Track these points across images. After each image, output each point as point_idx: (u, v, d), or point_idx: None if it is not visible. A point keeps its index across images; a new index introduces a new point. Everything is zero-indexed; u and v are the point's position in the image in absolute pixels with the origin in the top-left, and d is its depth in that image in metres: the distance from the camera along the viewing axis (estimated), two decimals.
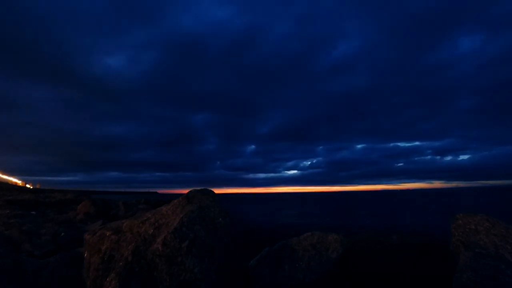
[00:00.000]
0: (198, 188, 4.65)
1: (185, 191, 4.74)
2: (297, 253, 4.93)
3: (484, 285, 3.19)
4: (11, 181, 65.61)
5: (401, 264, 4.81)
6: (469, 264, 3.58)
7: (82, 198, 18.96)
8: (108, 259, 3.59)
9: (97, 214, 13.22)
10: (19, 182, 68.43)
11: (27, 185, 68.01)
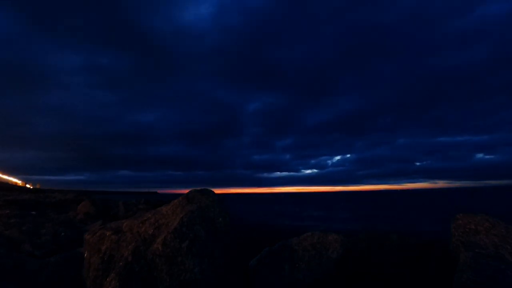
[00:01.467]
0: (198, 188, 4.65)
1: (185, 191, 4.74)
2: (297, 253, 4.92)
3: (484, 285, 3.19)
4: (11, 181, 65.62)
5: (401, 264, 4.81)
6: (469, 264, 3.57)
7: (82, 198, 18.97)
8: (108, 259, 3.59)
9: (97, 214, 13.22)
10: (19, 182, 68.45)
11: (27, 185, 68.02)
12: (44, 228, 8.29)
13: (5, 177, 64.09)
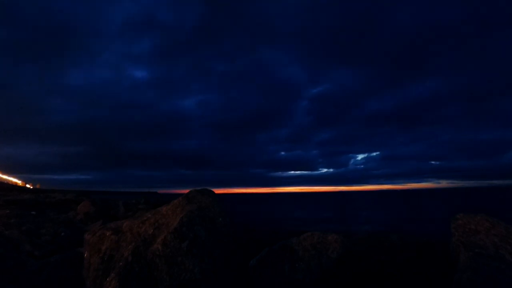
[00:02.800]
0: (198, 188, 4.65)
1: (185, 191, 4.74)
2: (297, 253, 4.92)
3: (484, 285, 3.19)
4: (11, 181, 65.62)
5: (401, 264, 4.81)
6: (469, 264, 3.57)
7: (82, 198, 18.98)
8: (108, 259, 3.59)
9: (97, 214, 13.22)
10: (19, 182, 68.47)
11: (27, 185, 68.04)
12: (44, 228, 8.29)
13: (5, 177, 64.10)
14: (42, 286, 3.98)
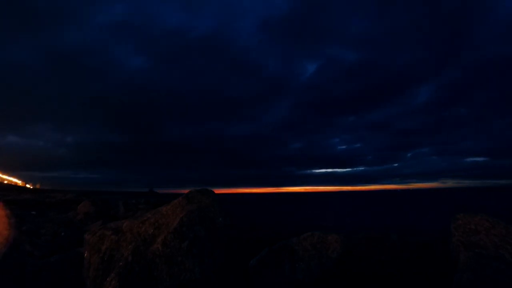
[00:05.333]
0: (198, 188, 4.65)
1: (185, 191, 4.74)
2: (297, 253, 4.92)
3: (484, 285, 3.19)
4: (11, 181, 65.63)
5: (401, 264, 4.81)
6: (469, 264, 3.57)
7: (82, 198, 18.98)
8: (108, 259, 3.59)
9: (97, 214, 13.21)
10: (19, 182, 68.47)
11: (27, 185, 68.05)
12: (44, 228, 8.29)
13: (5, 177, 64.10)
14: (42, 286, 3.98)
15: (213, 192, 4.61)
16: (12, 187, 49.56)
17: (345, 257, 4.80)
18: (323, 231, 5.31)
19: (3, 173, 64.62)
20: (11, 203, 15.17)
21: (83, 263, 3.86)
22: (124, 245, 3.68)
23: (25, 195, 22.79)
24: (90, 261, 3.71)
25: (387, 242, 5.31)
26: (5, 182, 59.60)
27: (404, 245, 5.23)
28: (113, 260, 3.56)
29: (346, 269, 4.71)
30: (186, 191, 4.69)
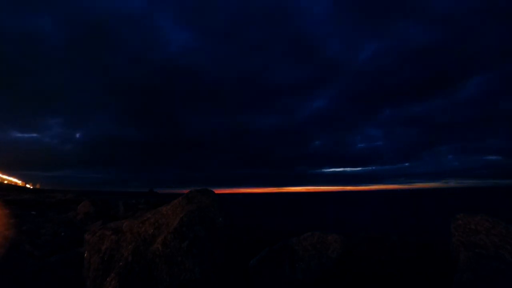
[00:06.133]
0: (198, 188, 4.65)
1: (185, 191, 4.74)
2: (297, 253, 4.92)
3: (484, 285, 3.19)
4: (11, 181, 65.64)
5: (401, 264, 4.81)
6: (469, 264, 3.58)
7: (82, 198, 18.98)
8: (108, 259, 3.59)
9: (97, 214, 13.21)
10: (19, 182, 68.48)
11: (27, 185, 68.07)
12: (44, 228, 8.29)
13: (5, 177, 64.11)
14: (42, 286, 3.98)
15: (213, 192, 4.61)
16: (12, 187, 49.55)
17: (345, 257, 4.80)
18: (323, 231, 5.31)
19: (3, 173, 64.66)
20: (11, 203, 15.17)
21: (83, 263, 3.86)
22: (124, 245, 3.68)
23: (25, 195, 22.79)
24: (90, 261, 3.71)
25: (387, 242, 5.31)
26: (5, 182, 59.60)
27: (404, 245, 5.23)
28: (113, 260, 3.56)
29: (346, 269, 4.71)
30: (186, 191, 4.69)
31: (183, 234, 3.57)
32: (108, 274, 3.42)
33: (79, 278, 3.89)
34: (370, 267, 4.83)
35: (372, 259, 4.98)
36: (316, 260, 4.76)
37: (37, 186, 73.80)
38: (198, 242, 3.61)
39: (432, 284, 4.30)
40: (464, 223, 4.41)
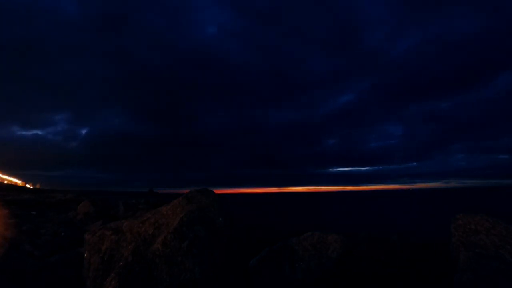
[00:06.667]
0: (198, 188, 4.65)
1: (185, 191, 4.74)
2: (297, 253, 4.92)
3: (484, 285, 3.19)
4: (11, 181, 65.63)
5: (401, 264, 4.81)
6: (469, 264, 3.58)
7: (82, 198, 18.97)
8: (108, 259, 3.59)
9: (97, 214, 13.21)
10: (19, 182, 68.48)
11: (27, 185, 68.07)
12: (44, 228, 8.30)
13: (5, 177, 64.12)
14: (42, 286, 3.98)
15: (213, 192, 4.61)
16: (12, 187, 49.54)
17: (345, 257, 4.80)
18: (323, 231, 5.31)
19: (3, 173, 64.65)
20: (11, 203, 15.17)
21: (83, 263, 3.86)
22: (124, 245, 3.68)
23: (25, 195, 22.79)
24: (90, 261, 3.71)
25: (387, 242, 5.31)
26: (5, 182, 59.59)
27: (404, 245, 5.23)
28: (113, 260, 3.56)
29: (346, 269, 4.71)
30: (186, 191, 4.69)
31: (183, 234, 3.57)
32: (108, 274, 3.42)
33: (79, 278, 3.89)
34: (370, 267, 4.83)
35: (372, 259, 4.98)
36: (316, 260, 4.76)
37: (37, 186, 73.81)
38: (198, 242, 3.61)
39: (432, 284, 4.31)
40: (464, 223, 4.41)
